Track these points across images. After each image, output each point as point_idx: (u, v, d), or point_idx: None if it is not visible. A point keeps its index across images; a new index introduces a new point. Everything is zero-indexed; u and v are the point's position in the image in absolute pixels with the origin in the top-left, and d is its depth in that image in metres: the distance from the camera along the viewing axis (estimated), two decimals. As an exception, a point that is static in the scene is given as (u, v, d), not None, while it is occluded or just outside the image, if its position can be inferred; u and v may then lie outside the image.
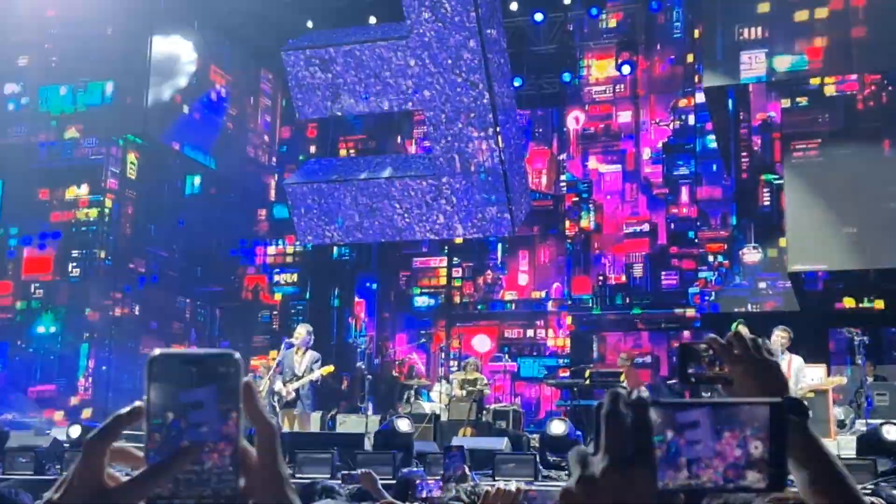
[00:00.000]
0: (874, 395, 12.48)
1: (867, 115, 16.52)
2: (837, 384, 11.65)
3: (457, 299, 21.19)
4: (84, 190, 19.68)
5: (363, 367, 16.37)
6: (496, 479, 9.15)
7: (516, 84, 18.65)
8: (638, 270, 19.89)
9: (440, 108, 16.39)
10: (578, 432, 11.18)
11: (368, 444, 11.57)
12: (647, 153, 20.33)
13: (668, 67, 20.39)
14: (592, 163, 20.68)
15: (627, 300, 19.82)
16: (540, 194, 20.66)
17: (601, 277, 20.12)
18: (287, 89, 18.11)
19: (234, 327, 21.46)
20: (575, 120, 20.93)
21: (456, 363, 18.18)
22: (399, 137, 22.12)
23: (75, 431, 11.86)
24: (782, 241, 17.45)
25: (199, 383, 0.98)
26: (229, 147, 21.05)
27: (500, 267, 21.08)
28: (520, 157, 18.03)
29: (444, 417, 13.75)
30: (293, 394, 12.12)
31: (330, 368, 12.42)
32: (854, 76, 16.64)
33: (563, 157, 20.99)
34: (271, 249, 22.28)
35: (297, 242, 19.73)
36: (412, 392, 14.96)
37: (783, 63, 15.56)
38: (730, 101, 19.02)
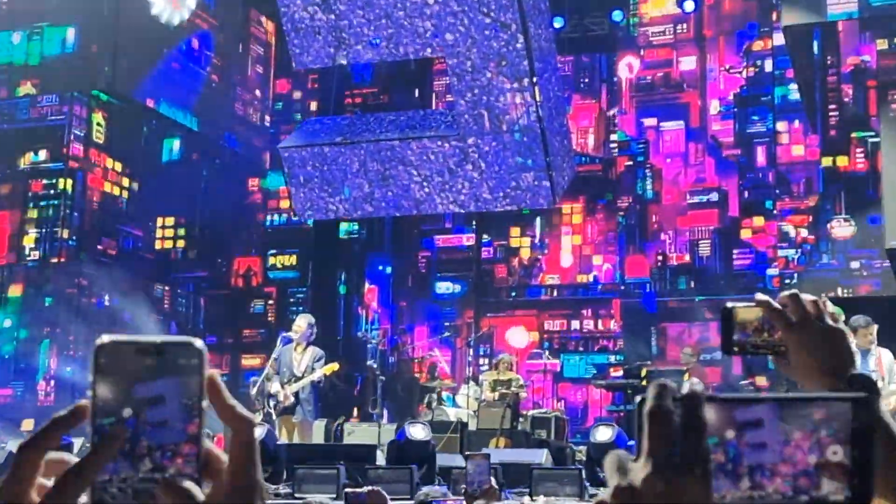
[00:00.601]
0: None
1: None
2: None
3: (487, 284, 21.18)
4: (42, 157, 19.78)
5: (375, 366, 16.41)
6: (534, 498, 9.16)
7: (557, 25, 18.59)
8: (705, 248, 19.84)
9: (465, 54, 16.33)
10: (631, 442, 11.18)
11: (382, 458, 11.57)
12: (714, 107, 20.25)
13: (739, 2, 20.24)
14: (649, 119, 20.61)
15: (692, 284, 19.78)
16: (586, 157, 20.63)
17: (660, 257, 20.09)
18: (282, 34, 18.09)
19: (222, 319, 21.54)
20: (627, 67, 20.84)
21: (487, 361, 18.17)
22: (416, 91, 22.08)
23: (16, 446, 11.81)
24: (879, 212, 17.31)
25: (157, 375, 0.98)
26: (214, 104, 21.09)
27: (540, 245, 21.06)
28: (561, 113, 17.97)
29: (472, 426, 13.78)
30: (292, 398, 12.13)
31: (334, 367, 12.44)
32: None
33: (613, 112, 20.92)
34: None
35: (296, 218, 19.75)
36: (434, 396, 15.00)
37: (880, -5, 15.43)
38: (815, 44, 18.86)
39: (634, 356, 18.74)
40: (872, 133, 18.24)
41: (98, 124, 19.94)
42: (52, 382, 19.19)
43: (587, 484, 10.02)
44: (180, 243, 21.67)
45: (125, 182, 20.42)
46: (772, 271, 19.10)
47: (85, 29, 19.00)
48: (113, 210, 20.27)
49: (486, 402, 14.03)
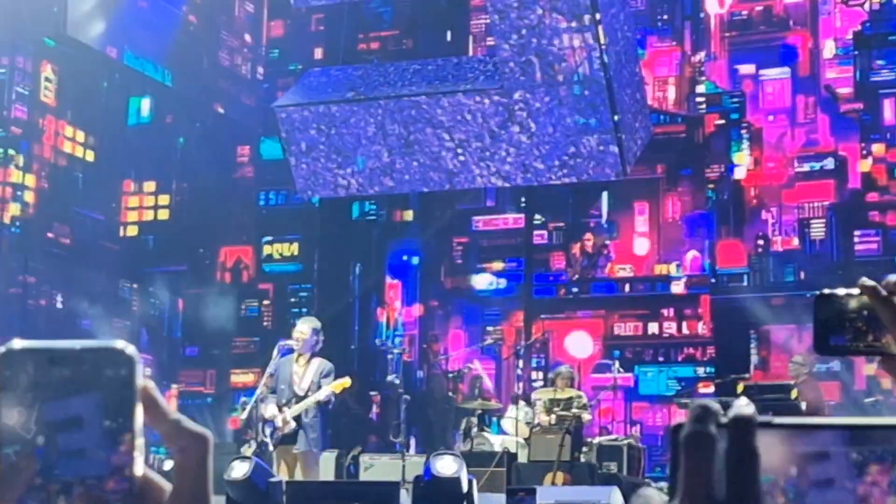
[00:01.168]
0: None
1: None
2: None
3: (541, 278, 21.13)
4: (-24, 122, 19.90)
5: (398, 382, 16.44)
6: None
7: (626, -53, 18.54)
8: (818, 230, 19.79)
9: (510, -15, 16.36)
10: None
11: (406, 499, 11.64)
12: (829, 49, 20.18)
13: (861, -85, 20.14)
14: (746, 66, 20.53)
15: (802, 275, 19.66)
16: (665, 116, 20.61)
17: (762, 241, 20.03)
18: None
19: (205, 325, 21.59)
20: (718, 1, 20.72)
21: (541, 375, 18.13)
22: (449, 33, 22.04)
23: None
24: None
25: (73, 391, 0.99)
26: (192, 53, 21.19)
27: (607, 228, 21.03)
28: (632, 60, 17.96)
29: (522, 457, 13.90)
30: (292, 423, 12.22)
31: (346, 383, 12.52)
32: None
33: (699, 57, 20.85)
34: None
35: (298, 195, 19.76)
36: (474, 420, 15.04)
37: None
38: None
39: (728, 368, 18.69)
40: None
41: (47, 80, 20.05)
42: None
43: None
44: (152, 230, 21.71)
45: (81, 153, 20.55)
46: (903, 258, 18.99)
47: (28, -40, 19.08)
48: (67, 189, 20.38)
49: (541, 428, 14.14)
